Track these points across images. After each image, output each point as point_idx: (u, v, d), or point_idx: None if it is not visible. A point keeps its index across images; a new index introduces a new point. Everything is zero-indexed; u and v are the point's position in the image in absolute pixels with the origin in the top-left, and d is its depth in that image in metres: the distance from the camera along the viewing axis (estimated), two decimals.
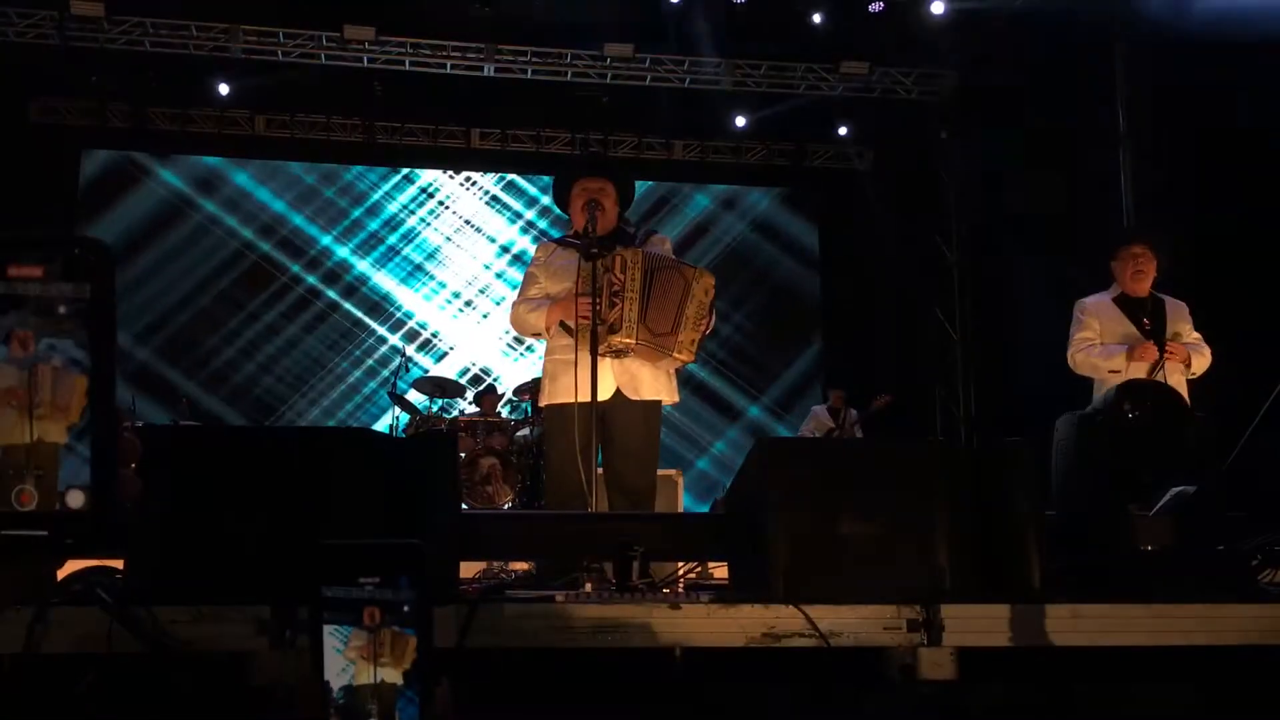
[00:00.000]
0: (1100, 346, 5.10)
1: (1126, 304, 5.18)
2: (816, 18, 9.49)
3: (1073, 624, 2.55)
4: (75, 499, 0.73)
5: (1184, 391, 4.95)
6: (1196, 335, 5.16)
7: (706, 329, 4.10)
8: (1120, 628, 2.57)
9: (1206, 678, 2.60)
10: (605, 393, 3.99)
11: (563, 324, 4.14)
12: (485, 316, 11.44)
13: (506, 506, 7.95)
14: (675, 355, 4.04)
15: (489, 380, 10.75)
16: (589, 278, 3.95)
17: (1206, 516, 2.86)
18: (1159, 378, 4.89)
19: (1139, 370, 4.97)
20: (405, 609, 1.15)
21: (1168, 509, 2.79)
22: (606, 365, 4.00)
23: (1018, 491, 2.77)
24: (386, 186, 11.55)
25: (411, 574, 1.17)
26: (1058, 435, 3.06)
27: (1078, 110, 8.85)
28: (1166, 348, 5.00)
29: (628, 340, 3.94)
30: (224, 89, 10.24)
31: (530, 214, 11.69)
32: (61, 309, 0.72)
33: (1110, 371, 4.99)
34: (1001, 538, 2.73)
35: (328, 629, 1.18)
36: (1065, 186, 8.97)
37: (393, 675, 1.13)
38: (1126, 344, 5.05)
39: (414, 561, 1.18)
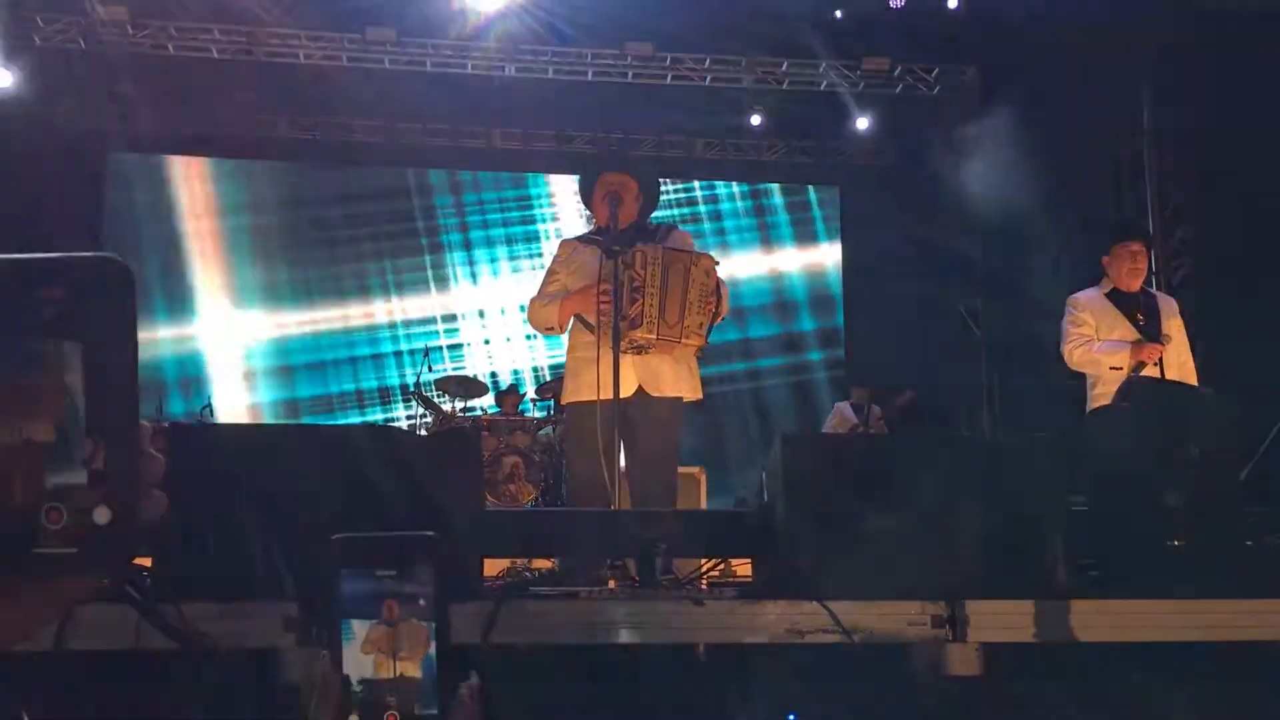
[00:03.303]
0: (1100, 343, 5.05)
1: (1120, 300, 5.12)
2: (838, 14, 9.45)
3: (1098, 620, 2.54)
4: (102, 516, 0.73)
5: (1191, 380, 4.95)
6: (1187, 351, 5.10)
7: (716, 310, 4.10)
8: (1146, 623, 2.55)
9: (1233, 673, 2.58)
10: (627, 389, 3.99)
11: (580, 318, 4.15)
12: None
13: (529, 505, 7.97)
14: (685, 342, 4.04)
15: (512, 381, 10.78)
16: (610, 274, 3.96)
17: (1232, 511, 2.83)
18: (1154, 373, 4.87)
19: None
20: (422, 602, 1.15)
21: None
22: (628, 362, 4.00)
23: (1043, 486, 2.75)
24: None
25: (428, 565, 1.17)
26: (1089, 431, 3.05)
27: (1101, 103, 8.79)
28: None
29: (649, 336, 3.94)
30: (247, 91, 10.30)
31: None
32: (78, 324, 0.73)
33: (1112, 368, 4.94)
34: (1027, 533, 2.72)
35: (346, 623, 1.19)
36: (1090, 181, 8.91)
37: (412, 669, 1.14)
38: (1126, 341, 5.01)
39: (431, 553, 1.19)
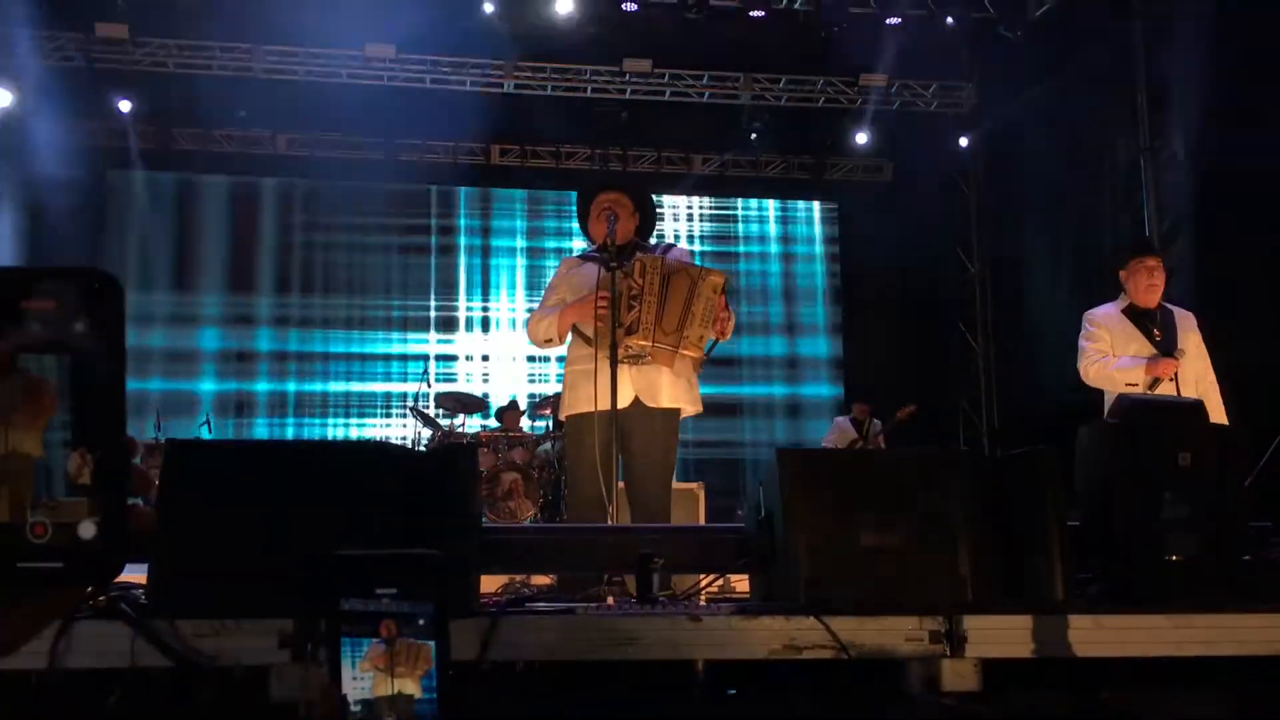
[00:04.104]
0: (1115, 359, 5.05)
1: (1136, 316, 5.12)
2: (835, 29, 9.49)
3: (1097, 634, 2.53)
4: (87, 530, 0.73)
5: (1212, 394, 4.93)
6: (1207, 363, 5.09)
7: (724, 329, 4.11)
8: (1145, 638, 2.55)
9: (1232, 688, 2.57)
10: (624, 401, 4.01)
11: (579, 331, 4.17)
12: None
13: (528, 521, 7.96)
14: (683, 352, 4.07)
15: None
16: (608, 285, 4.00)
17: (1232, 525, 2.83)
18: (1171, 390, 4.87)
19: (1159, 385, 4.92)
20: (421, 621, 1.15)
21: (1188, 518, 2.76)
22: (625, 373, 4.02)
23: (1040, 500, 2.75)
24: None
25: (429, 584, 1.17)
26: (1080, 444, 3.04)
27: (1101, 120, 8.82)
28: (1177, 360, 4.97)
29: (644, 343, 3.97)
30: (244, 109, 10.33)
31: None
32: (66, 337, 0.73)
33: (1127, 385, 4.94)
34: (1024, 547, 2.72)
35: (345, 642, 1.19)
36: (1087, 195, 8.94)
37: (410, 686, 1.14)
38: (1142, 357, 5.01)
39: (432, 572, 1.19)
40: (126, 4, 9.29)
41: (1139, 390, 4.87)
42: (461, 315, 11.50)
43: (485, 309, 11.54)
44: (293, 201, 11.36)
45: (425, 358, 10.79)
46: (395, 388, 11.20)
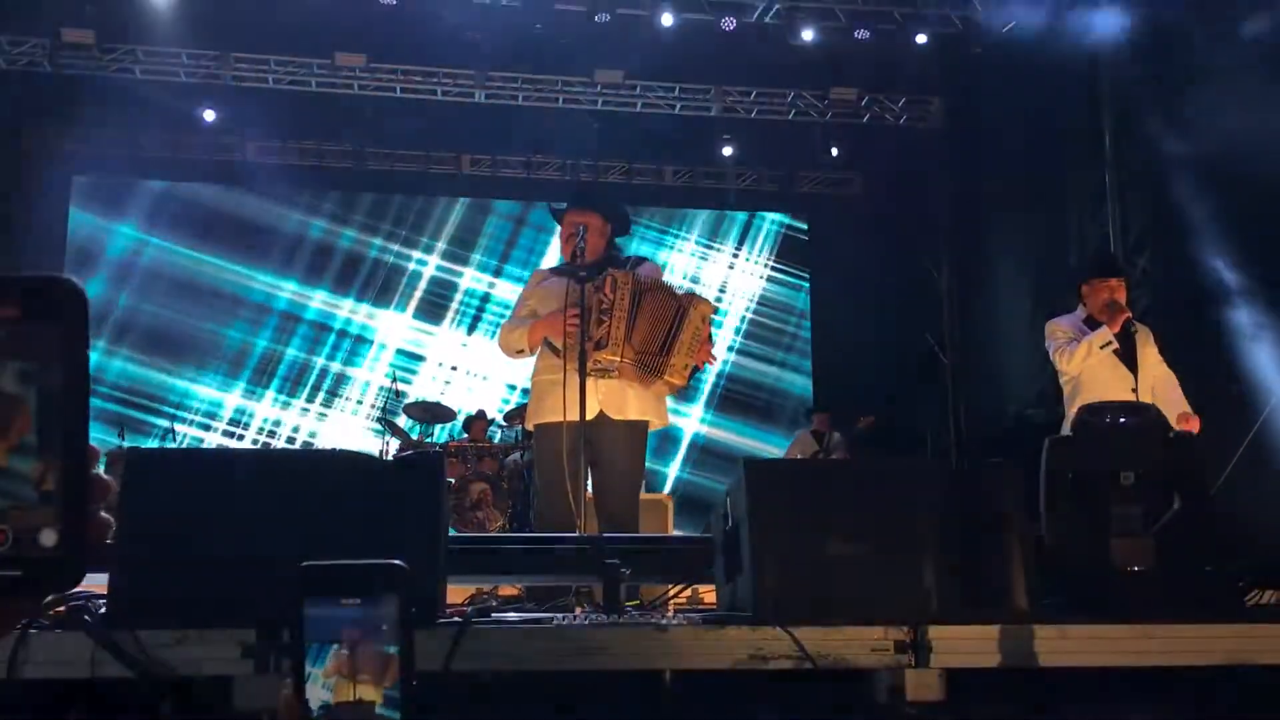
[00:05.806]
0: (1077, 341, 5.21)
1: (1095, 326, 5.25)
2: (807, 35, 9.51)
3: (1060, 645, 2.55)
4: (48, 538, 0.73)
5: (1166, 410, 5.01)
6: (1164, 367, 5.22)
7: (707, 358, 4.12)
8: (1107, 648, 2.57)
9: (1193, 698, 2.60)
10: (589, 413, 3.99)
11: (548, 343, 4.16)
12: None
13: (496, 531, 7.93)
14: (667, 379, 4.06)
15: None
16: (578, 299, 3.98)
17: (1193, 537, 2.86)
18: (1139, 397, 4.96)
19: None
20: (384, 628, 1.14)
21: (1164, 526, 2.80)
22: (591, 385, 4.00)
23: (1005, 512, 2.77)
24: None
25: (393, 594, 1.16)
26: (1042, 458, 3.08)
27: (1065, 131, 8.92)
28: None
29: (613, 358, 3.96)
30: (212, 115, 10.26)
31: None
32: (29, 345, 0.73)
33: (1101, 346, 5.09)
34: (989, 558, 2.73)
35: (308, 651, 1.18)
36: (1052, 210, 9.03)
37: (371, 693, 1.13)
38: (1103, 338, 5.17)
39: (396, 582, 1.18)
40: (94, 9, 9.19)
41: (1113, 347, 5.07)
42: (429, 323, 11.46)
43: (453, 320, 11.51)
44: (259, 208, 11.30)
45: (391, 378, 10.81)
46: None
